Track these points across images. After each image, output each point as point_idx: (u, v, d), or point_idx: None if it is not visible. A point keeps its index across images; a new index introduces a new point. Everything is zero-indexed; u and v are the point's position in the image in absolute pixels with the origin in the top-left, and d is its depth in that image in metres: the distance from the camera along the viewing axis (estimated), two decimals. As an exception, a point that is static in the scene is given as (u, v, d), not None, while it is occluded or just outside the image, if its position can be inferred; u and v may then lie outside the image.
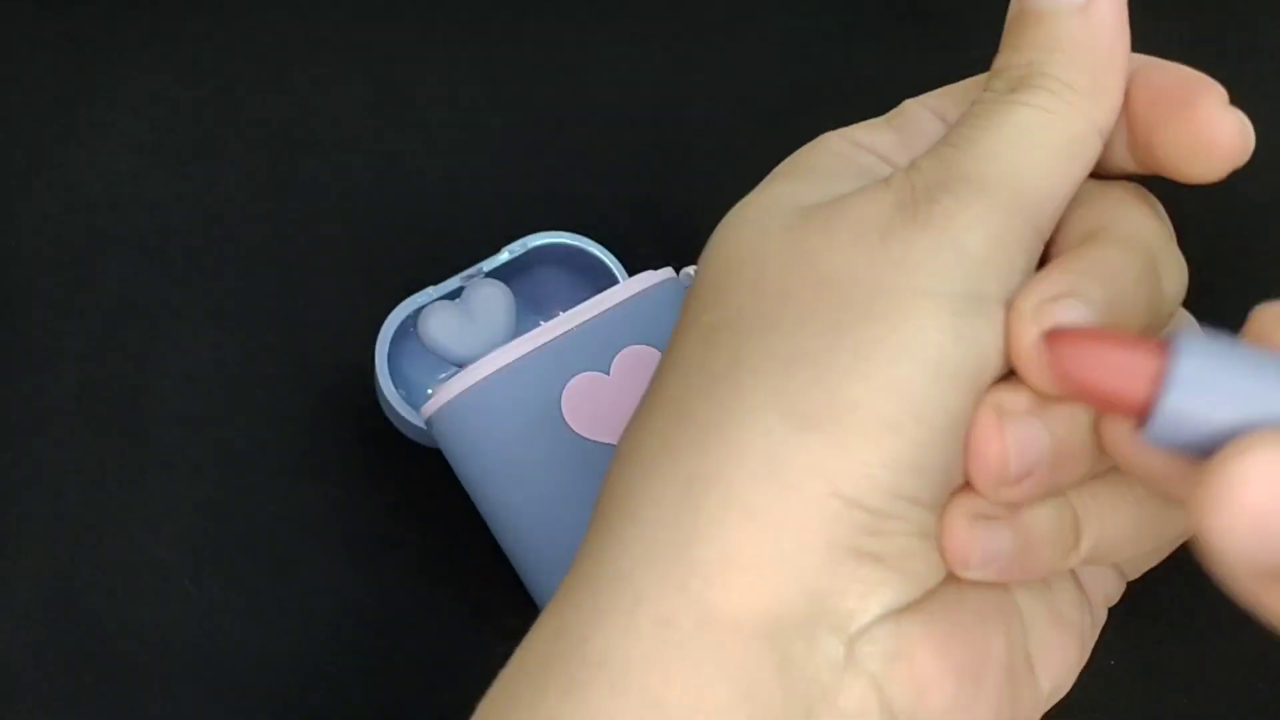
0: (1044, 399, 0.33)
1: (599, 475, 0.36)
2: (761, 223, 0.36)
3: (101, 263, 0.51)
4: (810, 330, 0.34)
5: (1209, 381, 0.29)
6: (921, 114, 0.38)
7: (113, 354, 0.50)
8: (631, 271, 0.48)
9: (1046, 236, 0.35)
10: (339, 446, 0.49)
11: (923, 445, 0.33)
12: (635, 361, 0.46)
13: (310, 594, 0.47)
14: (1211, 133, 0.35)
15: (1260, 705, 0.46)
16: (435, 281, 0.48)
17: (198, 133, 0.53)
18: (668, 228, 0.52)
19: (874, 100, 0.40)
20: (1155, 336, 0.32)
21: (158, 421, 0.49)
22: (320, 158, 0.53)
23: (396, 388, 0.47)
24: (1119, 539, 0.36)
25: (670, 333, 0.37)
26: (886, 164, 0.37)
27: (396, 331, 0.47)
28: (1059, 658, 0.37)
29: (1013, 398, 0.33)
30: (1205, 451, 0.29)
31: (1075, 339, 0.32)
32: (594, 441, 0.45)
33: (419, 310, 0.47)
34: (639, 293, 0.46)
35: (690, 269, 0.47)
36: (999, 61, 0.37)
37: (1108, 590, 0.38)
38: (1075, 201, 0.36)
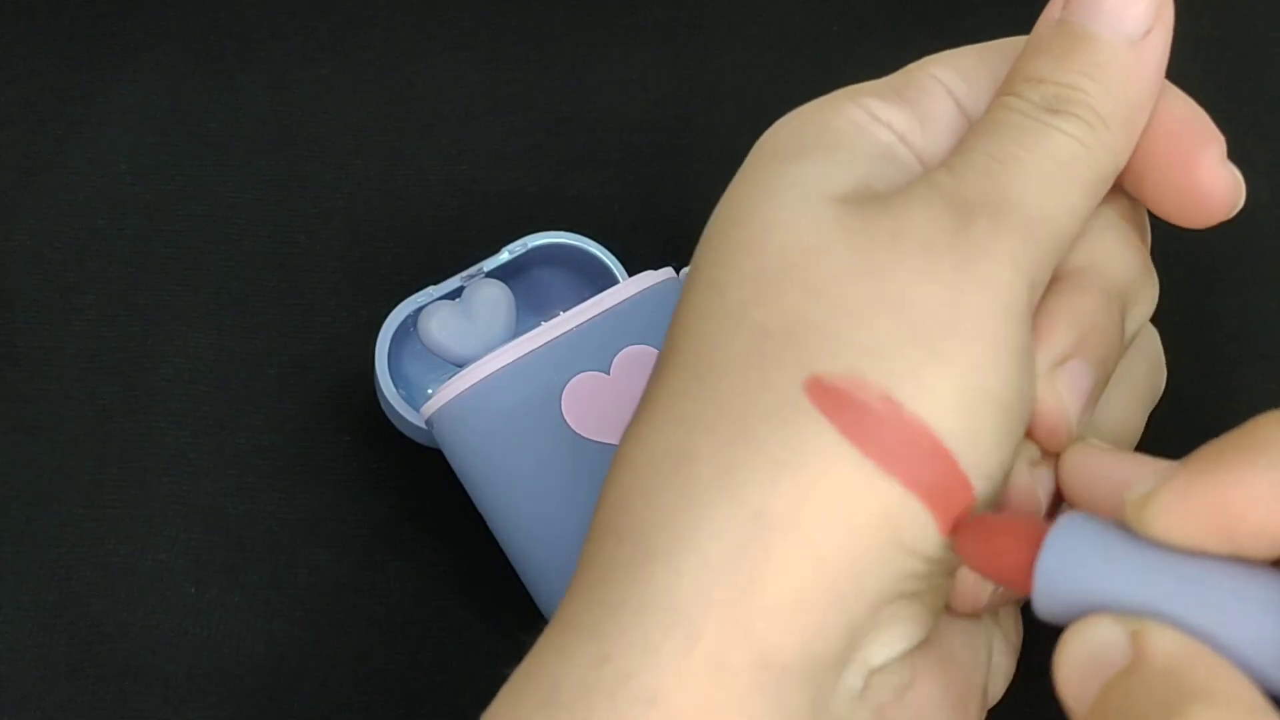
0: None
1: (599, 475, 0.36)
2: (807, 213, 0.34)
3: (101, 263, 0.51)
4: (888, 367, 0.33)
5: (1067, 576, 0.31)
6: (933, 88, 0.37)
7: (113, 354, 0.50)
8: (631, 271, 0.48)
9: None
10: (339, 447, 0.49)
11: (983, 494, 0.33)
12: (635, 361, 0.45)
13: (310, 594, 0.47)
14: (1205, 192, 0.35)
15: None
16: (435, 281, 0.48)
17: (198, 132, 0.53)
18: (668, 228, 0.52)
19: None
20: (1044, 521, 0.32)
21: (157, 422, 0.49)
22: (321, 158, 0.53)
23: (396, 388, 0.47)
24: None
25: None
26: (903, 143, 0.36)
27: (396, 331, 0.47)
28: (1003, 674, 0.37)
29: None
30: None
31: (971, 533, 0.33)
32: (594, 441, 0.45)
33: (419, 310, 0.47)
34: (639, 293, 0.46)
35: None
36: (1032, 67, 0.36)
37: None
38: None
